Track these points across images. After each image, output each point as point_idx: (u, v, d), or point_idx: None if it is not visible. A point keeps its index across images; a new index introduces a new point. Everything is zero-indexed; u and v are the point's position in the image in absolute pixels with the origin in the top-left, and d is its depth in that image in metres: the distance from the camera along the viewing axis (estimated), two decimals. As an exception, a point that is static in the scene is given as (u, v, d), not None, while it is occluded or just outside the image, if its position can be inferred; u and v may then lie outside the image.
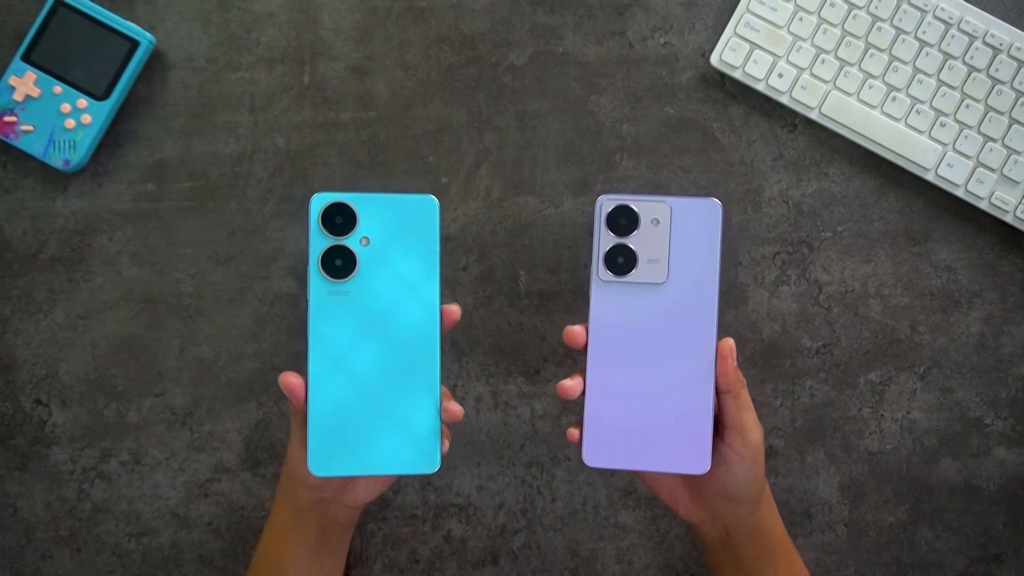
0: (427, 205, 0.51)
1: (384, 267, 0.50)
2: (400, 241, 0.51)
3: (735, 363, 0.51)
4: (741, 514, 0.54)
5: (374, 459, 0.51)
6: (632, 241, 0.51)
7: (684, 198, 0.51)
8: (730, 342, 0.51)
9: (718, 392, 0.51)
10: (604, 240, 0.51)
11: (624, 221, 0.51)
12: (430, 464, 0.51)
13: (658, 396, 0.51)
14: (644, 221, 0.51)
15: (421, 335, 0.51)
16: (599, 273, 0.51)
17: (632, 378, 0.51)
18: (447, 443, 0.52)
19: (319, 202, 0.50)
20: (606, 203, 0.51)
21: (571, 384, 0.51)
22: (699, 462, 0.51)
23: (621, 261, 0.51)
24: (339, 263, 0.50)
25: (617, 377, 0.51)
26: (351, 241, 0.50)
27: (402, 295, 0.51)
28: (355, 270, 0.50)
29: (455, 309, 0.52)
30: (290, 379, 0.50)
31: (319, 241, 0.50)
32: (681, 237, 0.51)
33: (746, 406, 0.52)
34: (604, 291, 0.51)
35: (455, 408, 0.51)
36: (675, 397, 0.51)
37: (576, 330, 0.51)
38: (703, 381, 0.51)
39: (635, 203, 0.51)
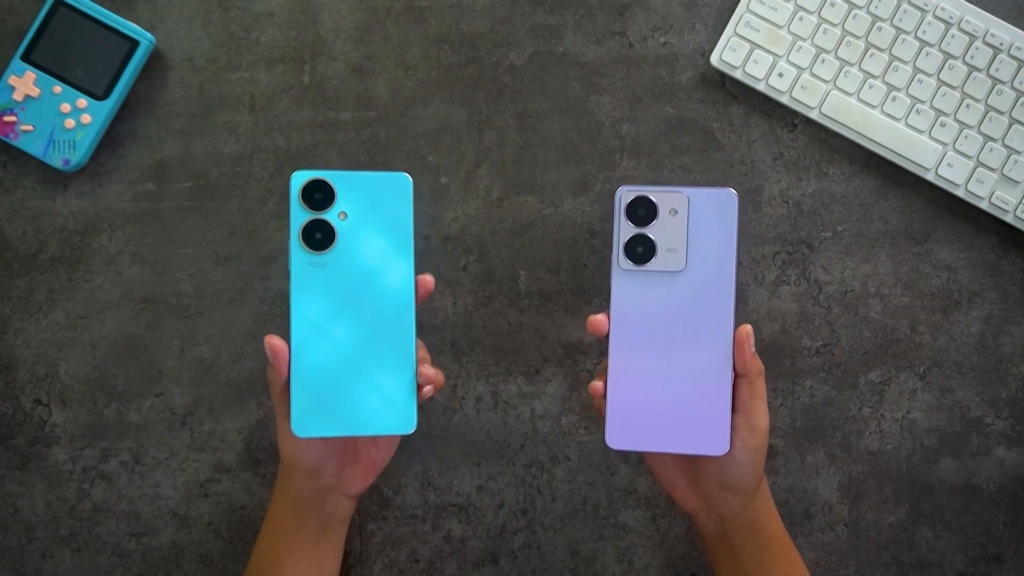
0: (401, 182, 0.53)
1: (361, 240, 0.53)
2: (376, 216, 0.53)
3: (752, 349, 0.52)
4: (735, 506, 0.54)
5: (354, 421, 0.53)
6: (651, 231, 0.52)
7: (701, 188, 0.52)
8: (747, 328, 0.52)
9: (734, 376, 0.52)
10: (624, 230, 0.52)
11: (643, 212, 0.52)
12: (407, 425, 0.53)
13: (678, 380, 0.52)
14: (663, 211, 0.52)
15: (397, 304, 0.53)
16: (619, 263, 0.53)
17: (653, 364, 0.52)
18: (432, 389, 0.54)
19: (299, 179, 0.52)
20: (625, 194, 0.52)
21: (601, 384, 0.53)
22: (718, 444, 0.52)
23: (640, 251, 0.52)
24: (319, 236, 0.52)
25: (638, 363, 0.52)
26: (330, 215, 0.53)
27: (378, 266, 0.53)
28: (334, 242, 0.53)
29: (429, 279, 0.54)
30: (275, 341, 0.52)
31: (299, 215, 0.52)
32: (699, 226, 0.52)
33: (759, 394, 0.52)
34: (624, 280, 0.53)
35: (427, 371, 0.53)
36: (694, 381, 0.52)
37: (599, 319, 0.52)
38: (721, 366, 0.52)
39: (654, 194, 0.52)
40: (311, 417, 0.52)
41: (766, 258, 0.66)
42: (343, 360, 0.53)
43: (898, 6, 0.64)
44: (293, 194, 0.52)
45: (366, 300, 0.53)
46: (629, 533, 0.66)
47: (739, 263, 0.66)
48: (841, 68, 0.64)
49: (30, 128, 0.63)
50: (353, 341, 0.53)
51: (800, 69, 0.64)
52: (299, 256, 0.53)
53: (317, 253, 0.52)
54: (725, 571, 0.56)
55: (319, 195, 0.52)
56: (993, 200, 0.64)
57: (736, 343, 0.52)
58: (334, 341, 0.53)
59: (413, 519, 0.66)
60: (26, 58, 0.63)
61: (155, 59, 0.65)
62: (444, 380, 0.54)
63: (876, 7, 0.64)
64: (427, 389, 0.53)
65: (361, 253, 0.53)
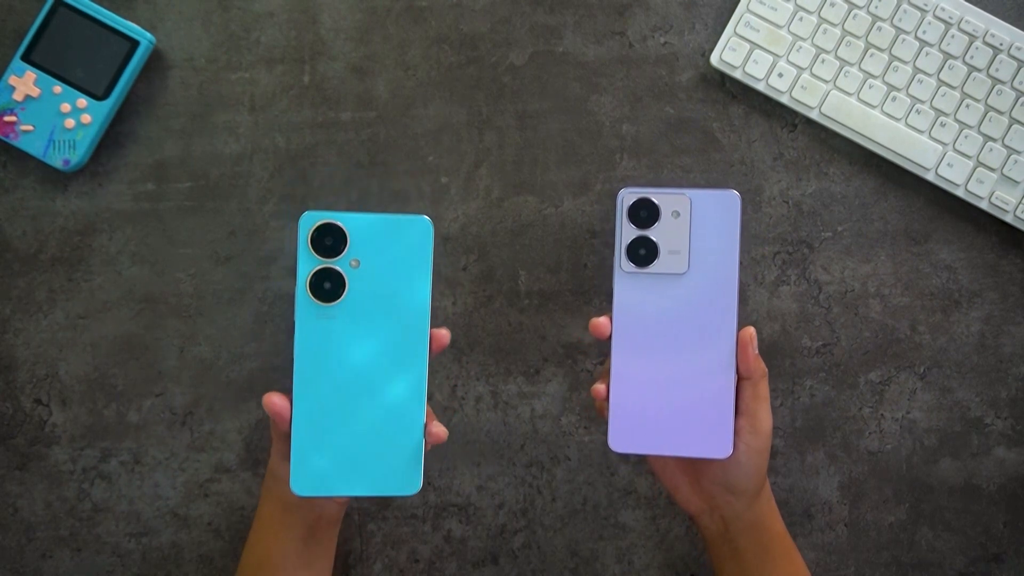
0: (421, 227, 0.50)
1: (374, 291, 0.49)
2: (392, 264, 0.50)
3: (756, 351, 0.52)
4: (738, 507, 0.54)
5: (356, 481, 0.50)
6: (653, 233, 0.52)
7: (703, 190, 0.52)
8: (751, 330, 0.52)
9: (738, 378, 0.52)
10: (626, 232, 0.52)
11: (645, 213, 0.52)
12: (410, 487, 0.51)
13: (681, 383, 0.52)
14: (665, 213, 0.52)
15: (409, 359, 0.50)
16: (621, 265, 0.52)
17: (655, 366, 0.52)
18: (444, 433, 0.51)
19: (309, 221, 0.49)
20: (628, 196, 0.52)
21: (604, 387, 0.53)
22: (721, 446, 0.52)
23: (643, 253, 0.52)
24: (328, 286, 0.49)
25: (641, 365, 0.52)
26: (341, 263, 0.49)
27: (391, 319, 0.50)
28: (343, 293, 0.49)
29: (444, 334, 0.52)
30: (274, 400, 0.50)
31: (308, 262, 0.49)
32: (701, 228, 0.52)
33: (762, 396, 0.52)
34: (627, 282, 0.52)
35: (439, 431, 0.51)
36: (697, 384, 0.52)
37: (602, 321, 0.52)
38: (724, 368, 0.52)
39: (656, 196, 0.52)
40: (311, 476, 0.50)
41: (766, 258, 0.66)
42: (348, 417, 0.50)
43: (898, 6, 0.64)
44: (301, 238, 0.49)
45: (375, 355, 0.50)
46: (629, 533, 0.66)
47: (740, 263, 0.66)
48: (841, 68, 0.64)
49: (30, 128, 0.63)
50: (359, 397, 0.50)
51: (800, 69, 0.64)
52: (305, 307, 0.49)
53: (325, 304, 0.49)
54: (727, 572, 0.56)
55: (330, 240, 0.49)
56: (993, 200, 0.64)
57: (739, 345, 0.52)
58: (339, 397, 0.50)
59: (413, 519, 0.66)
60: (26, 58, 0.63)
61: (155, 59, 0.65)
62: (447, 434, 0.52)
63: (876, 7, 0.64)
64: (433, 442, 0.52)
65: (373, 305, 0.49)
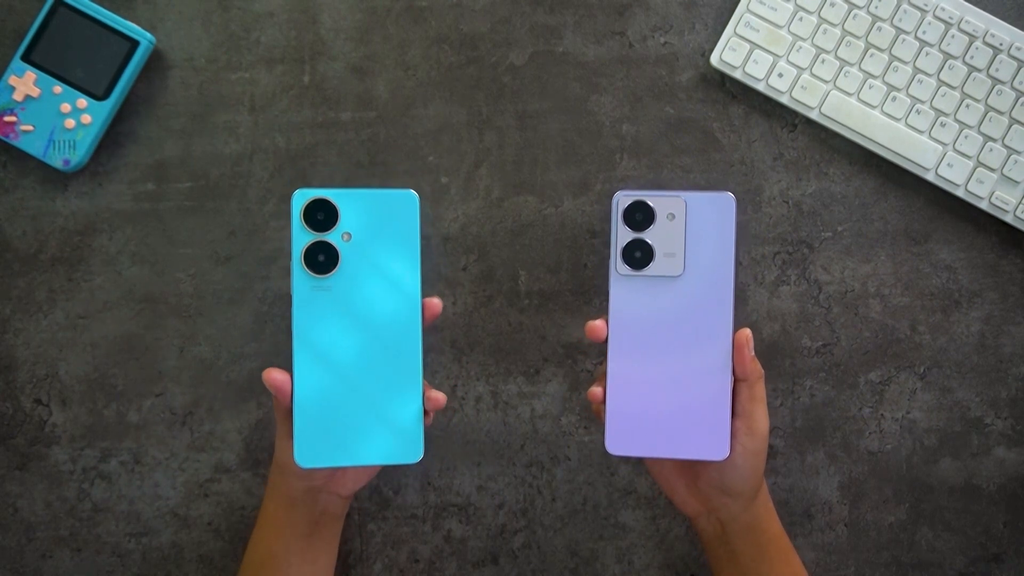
0: (407, 200, 0.52)
1: (366, 262, 0.51)
2: (381, 236, 0.52)
3: (752, 353, 0.52)
4: (735, 509, 0.54)
5: (359, 450, 0.52)
6: (649, 236, 0.52)
7: (698, 192, 0.52)
8: (747, 332, 0.52)
9: (734, 380, 0.52)
10: (621, 235, 0.52)
11: (640, 216, 0.52)
12: (414, 454, 0.52)
13: (677, 385, 0.52)
14: (660, 216, 0.52)
15: (403, 328, 0.52)
16: (617, 268, 0.52)
17: (652, 368, 0.52)
18: (443, 398, 0.53)
19: (301, 198, 0.51)
20: (623, 199, 0.52)
21: (600, 390, 0.53)
22: (718, 448, 0.52)
23: (638, 255, 0.52)
24: (321, 259, 0.51)
25: (637, 368, 0.52)
26: (333, 237, 0.51)
27: (384, 289, 0.52)
28: (337, 265, 0.51)
29: (436, 302, 0.53)
30: (274, 375, 0.51)
31: (301, 237, 0.51)
32: (696, 231, 0.52)
33: (759, 398, 0.52)
34: (622, 285, 0.52)
35: (438, 396, 0.53)
36: (694, 386, 0.52)
37: (597, 324, 0.52)
38: (720, 370, 0.52)
39: (651, 198, 0.52)
40: (315, 447, 0.51)
41: (766, 258, 0.66)
42: (347, 387, 0.51)
43: (898, 6, 0.64)
44: (294, 214, 0.51)
45: (372, 324, 0.51)
46: (629, 533, 0.66)
47: (739, 263, 0.66)
48: (841, 68, 0.64)
49: (30, 128, 0.63)
50: (358, 367, 0.51)
51: (800, 69, 0.64)
52: (301, 280, 0.51)
53: (320, 277, 0.51)
54: (724, 574, 0.56)
55: (322, 215, 0.51)
56: (993, 200, 0.64)
57: (736, 347, 0.52)
58: (338, 368, 0.51)
59: (413, 519, 0.66)
60: (26, 58, 0.63)
61: (155, 59, 0.65)
62: (446, 399, 0.54)
63: (876, 7, 0.64)
64: (433, 407, 0.53)
65: (366, 276, 0.51)
